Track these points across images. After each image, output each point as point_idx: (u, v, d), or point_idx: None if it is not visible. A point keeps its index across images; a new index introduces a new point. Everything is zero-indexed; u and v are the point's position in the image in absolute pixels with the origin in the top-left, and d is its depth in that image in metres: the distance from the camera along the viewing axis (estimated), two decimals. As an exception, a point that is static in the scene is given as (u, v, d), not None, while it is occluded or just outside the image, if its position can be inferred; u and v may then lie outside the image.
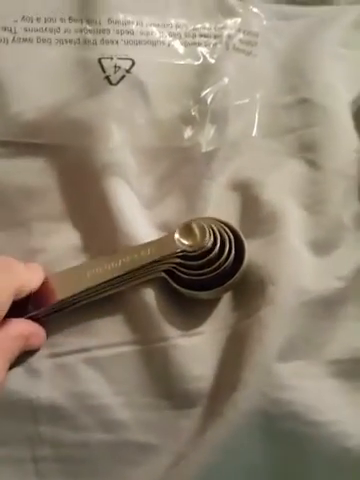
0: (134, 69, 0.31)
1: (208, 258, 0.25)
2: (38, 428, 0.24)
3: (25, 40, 0.32)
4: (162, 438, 0.24)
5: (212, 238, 0.25)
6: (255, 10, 0.35)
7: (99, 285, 0.25)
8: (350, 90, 0.33)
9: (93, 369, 0.25)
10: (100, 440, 0.24)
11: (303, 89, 0.33)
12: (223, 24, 0.34)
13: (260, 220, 0.28)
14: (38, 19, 0.32)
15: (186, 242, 0.26)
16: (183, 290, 0.26)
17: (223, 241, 0.26)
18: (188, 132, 0.31)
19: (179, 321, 0.26)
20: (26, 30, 0.32)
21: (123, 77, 0.31)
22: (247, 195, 0.30)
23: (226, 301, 0.26)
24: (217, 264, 0.25)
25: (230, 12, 0.34)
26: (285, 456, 0.23)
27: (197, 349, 0.25)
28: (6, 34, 0.32)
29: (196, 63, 0.33)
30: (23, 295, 0.24)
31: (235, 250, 0.26)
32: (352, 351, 0.25)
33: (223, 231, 0.26)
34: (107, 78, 0.31)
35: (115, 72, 0.31)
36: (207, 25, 0.34)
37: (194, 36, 0.33)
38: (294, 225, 0.28)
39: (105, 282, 0.25)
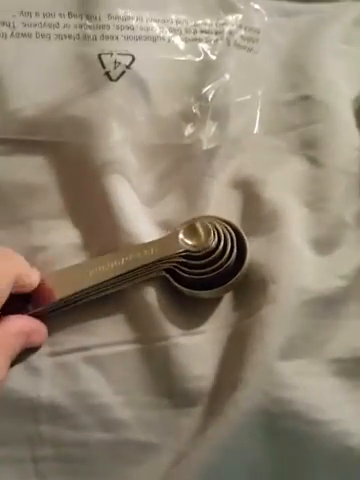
0: (134, 65, 0.32)
1: (211, 258, 0.26)
2: (38, 427, 0.24)
3: (24, 35, 0.32)
4: (163, 437, 0.24)
5: (216, 238, 0.26)
6: (256, 6, 0.35)
7: (101, 283, 0.25)
8: (352, 87, 0.34)
9: (94, 368, 0.25)
10: (100, 439, 0.24)
11: (305, 86, 0.33)
12: (224, 20, 0.34)
13: (261, 218, 0.29)
14: (37, 14, 0.33)
15: (190, 242, 0.26)
16: (184, 289, 0.26)
17: (225, 240, 0.26)
18: (189, 129, 0.31)
19: (180, 320, 0.26)
20: (25, 25, 0.32)
21: (123, 73, 0.32)
22: (248, 193, 0.30)
23: (227, 300, 0.27)
24: (219, 263, 0.26)
25: (231, 8, 0.35)
26: (286, 455, 0.24)
27: (198, 348, 0.25)
28: (4, 29, 0.32)
29: (197, 59, 0.33)
30: (22, 288, 0.24)
31: (237, 249, 0.26)
32: (354, 350, 0.26)
33: (225, 230, 0.27)
34: (107, 74, 0.31)
35: (115, 68, 0.32)
36: (208, 21, 0.34)
37: (195, 32, 0.34)
38: (296, 223, 0.28)
39: (107, 280, 0.25)
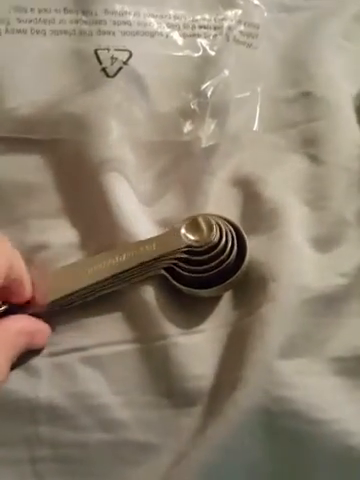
0: (131, 61, 0.32)
1: (211, 254, 0.26)
2: (36, 428, 0.24)
3: (19, 31, 0.33)
4: (162, 437, 0.25)
5: (218, 234, 0.26)
6: (256, 2, 0.36)
7: (102, 281, 0.26)
8: (353, 83, 0.34)
9: (92, 368, 0.26)
10: (99, 440, 0.24)
11: (305, 82, 0.34)
12: (223, 15, 0.35)
13: (261, 216, 0.29)
14: (32, 10, 0.33)
15: (192, 237, 0.26)
16: (183, 288, 0.27)
17: (226, 237, 0.27)
18: (188, 126, 0.32)
19: (179, 319, 0.26)
20: (20, 21, 0.33)
21: (120, 69, 0.32)
22: (248, 191, 0.31)
23: (227, 298, 0.27)
24: (220, 260, 0.26)
25: (230, 3, 0.35)
26: (287, 454, 0.24)
27: (198, 347, 0.26)
28: (-1, 25, 0.33)
29: (196, 55, 0.34)
30: (13, 282, 0.25)
31: (237, 247, 0.27)
32: (355, 349, 0.26)
33: (226, 227, 0.27)
34: (104, 70, 0.32)
35: (112, 64, 0.32)
36: (207, 16, 0.35)
37: (193, 27, 0.34)
38: (296, 221, 0.29)
39: (108, 278, 0.26)
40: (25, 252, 0.27)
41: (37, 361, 0.25)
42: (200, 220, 0.27)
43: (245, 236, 0.27)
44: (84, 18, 0.33)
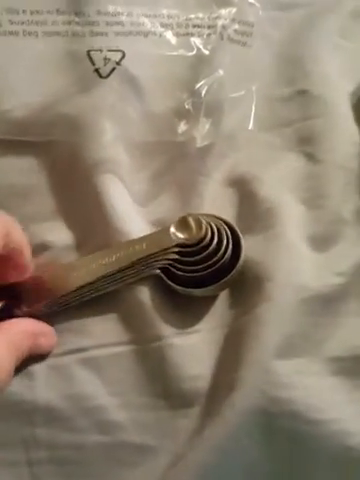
0: (125, 61, 0.33)
1: (205, 254, 0.27)
2: (33, 430, 0.25)
3: (11, 33, 0.34)
4: (159, 439, 0.26)
5: (210, 232, 0.27)
6: (250, 0, 0.37)
7: (95, 282, 0.27)
8: (350, 81, 0.35)
9: (88, 370, 0.26)
10: (96, 442, 0.25)
11: (301, 80, 0.35)
12: (217, 14, 0.36)
13: (257, 216, 0.30)
14: (24, 11, 0.34)
15: (182, 235, 0.27)
16: (179, 288, 0.27)
17: (220, 236, 0.27)
18: (182, 126, 0.32)
19: (175, 319, 0.27)
20: (11, 23, 0.34)
21: (113, 69, 0.33)
22: (244, 191, 0.31)
23: (223, 298, 0.28)
24: (214, 259, 0.27)
25: (224, 2, 0.36)
26: (284, 455, 0.25)
27: (194, 348, 0.27)
28: (-10, 27, 0.34)
29: (189, 54, 0.34)
30: (13, 251, 0.25)
31: (232, 246, 0.28)
32: (353, 348, 0.27)
33: (220, 227, 0.28)
34: (97, 71, 0.33)
35: (105, 64, 0.33)
36: (200, 15, 0.36)
37: (187, 26, 0.35)
38: (292, 220, 0.29)
39: (100, 278, 0.27)
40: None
41: (33, 363, 0.26)
42: (189, 218, 0.28)
43: (240, 235, 0.28)
44: (77, 19, 0.34)
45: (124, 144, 0.32)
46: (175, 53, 0.35)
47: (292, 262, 0.28)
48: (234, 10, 0.36)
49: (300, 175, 0.32)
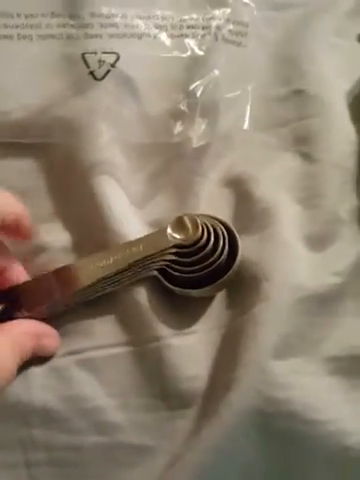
0: (119, 63, 0.34)
1: (202, 254, 0.27)
2: (31, 432, 0.26)
3: (5, 37, 0.35)
4: (157, 439, 0.26)
5: (206, 232, 0.28)
6: (245, 0, 0.37)
7: (93, 285, 0.27)
8: (346, 80, 0.35)
9: (86, 371, 0.27)
10: (94, 443, 0.26)
11: (297, 80, 0.35)
12: (211, 15, 0.36)
13: (254, 216, 0.31)
14: (18, 15, 0.35)
15: (178, 236, 0.28)
16: (176, 289, 0.28)
17: (217, 236, 0.28)
18: (178, 127, 0.33)
19: (172, 320, 0.28)
20: (6, 27, 0.35)
21: (108, 72, 0.34)
22: (240, 191, 0.32)
23: (220, 299, 0.29)
24: (211, 260, 0.27)
25: (219, 2, 0.37)
26: (282, 455, 0.26)
27: (191, 348, 0.27)
28: (-16, 32, 0.34)
29: (184, 55, 0.35)
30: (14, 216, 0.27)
31: (229, 246, 0.28)
32: (350, 348, 0.27)
33: (217, 227, 0.29)
34: (91, 73, 0.34)
35: (99, 67, 0.34)
36: (194, 16, 0.36)
37: (181, 28, 0.36)
38: (289, 220, 0.30)
39: (98, 280, 0.27)
40: (19, 257, 0.29)
41: (30, 365, 0.27)
42: (185, 219, 0.28)
43: (237, 235, 0.29)
44: (71, 22, 0.35)
45: (120, 146, 0.32)
46: (170, 55, 0.35)
47: (288, 262, 0.28)
48: (228, 10, 0.37)
49: (296, 175, 0.32)
